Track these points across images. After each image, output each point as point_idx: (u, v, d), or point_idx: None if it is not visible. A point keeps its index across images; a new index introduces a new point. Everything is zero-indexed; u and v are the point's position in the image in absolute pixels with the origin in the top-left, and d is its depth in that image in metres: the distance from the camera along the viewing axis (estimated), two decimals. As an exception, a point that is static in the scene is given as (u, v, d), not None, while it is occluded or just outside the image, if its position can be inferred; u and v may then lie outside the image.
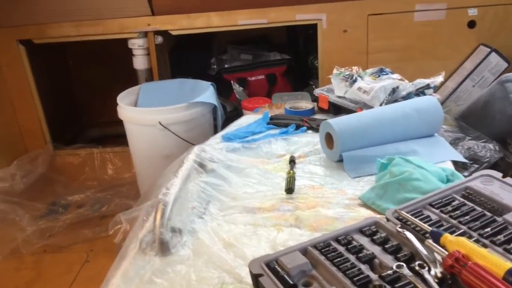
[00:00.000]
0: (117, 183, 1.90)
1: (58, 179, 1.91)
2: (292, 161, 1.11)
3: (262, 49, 2.20)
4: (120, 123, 2.71)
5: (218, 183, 1.03)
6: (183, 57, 2.16)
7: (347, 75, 1.34)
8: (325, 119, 1.30)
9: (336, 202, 0.95)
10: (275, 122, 1.35)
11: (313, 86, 2.10)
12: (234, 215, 0.94)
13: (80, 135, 2.54)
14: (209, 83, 1.70)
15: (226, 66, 2.13)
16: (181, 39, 1.93)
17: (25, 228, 1.55)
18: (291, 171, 1.06)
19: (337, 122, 1.10)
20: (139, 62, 1.89)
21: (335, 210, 0.93)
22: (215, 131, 1.70)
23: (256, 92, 2.06)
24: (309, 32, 2.24)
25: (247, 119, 1.41)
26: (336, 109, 1.37)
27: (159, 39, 1.85)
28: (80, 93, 2.57)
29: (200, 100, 1.56)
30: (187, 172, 1.00)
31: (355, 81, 1.31)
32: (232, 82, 2.02)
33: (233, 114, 1.92)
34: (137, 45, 1.85)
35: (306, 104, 1.45)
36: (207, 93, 1.60)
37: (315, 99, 1.72)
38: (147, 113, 1.56)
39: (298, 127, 1.30)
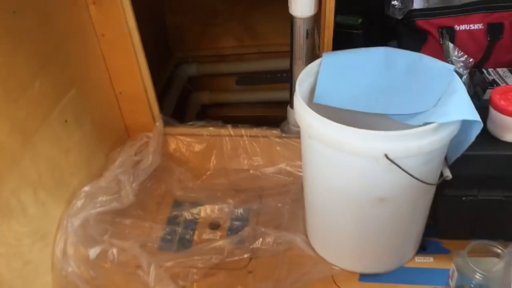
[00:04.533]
0: (258, 186, 1.31)
1: (173, 174, 1.33)
2: None
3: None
4: (223, 58, 2.05)
5: None
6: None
7: None
8: None
9: None
10: None
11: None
12: None
13: (176, 76, 1.93)
14: (448, 66, 0.98)
15: (415, 3, 1.36)
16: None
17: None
18: None
19: None
20: (300, 5, 1.17)
21: None
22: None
23: (464, 50, 1.32)
24: None
25: None
26: None
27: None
28: (171, 19, 1.89)
29: (459, 117, 0.87)
30: None
31: None
32: (440, 36, 1.26)
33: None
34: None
35: None
36: (459, 95, 0.89)
37: None
38: (363, 138, 0.87)
39: None
